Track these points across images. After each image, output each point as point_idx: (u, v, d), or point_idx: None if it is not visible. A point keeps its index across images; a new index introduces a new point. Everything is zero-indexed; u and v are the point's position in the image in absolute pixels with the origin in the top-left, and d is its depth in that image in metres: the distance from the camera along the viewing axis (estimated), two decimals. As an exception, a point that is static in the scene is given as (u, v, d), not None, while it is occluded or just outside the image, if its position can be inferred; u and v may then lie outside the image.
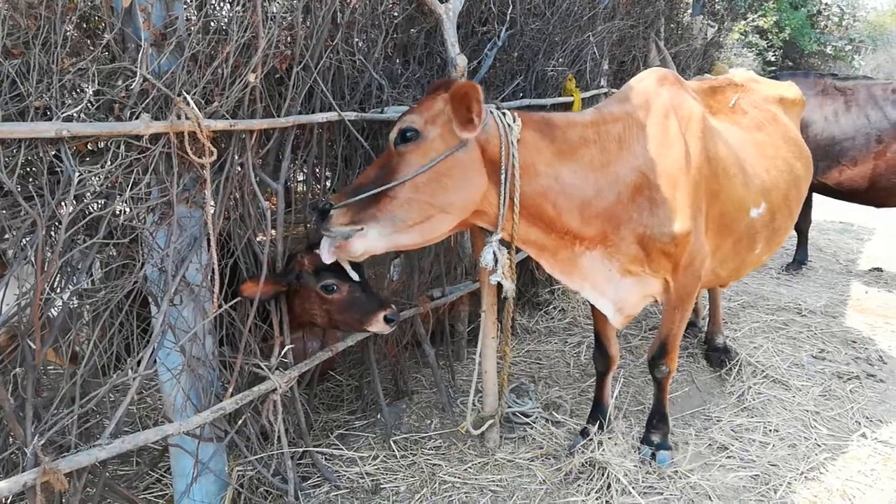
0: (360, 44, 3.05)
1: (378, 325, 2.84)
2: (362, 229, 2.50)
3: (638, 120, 2.88)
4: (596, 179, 2.76)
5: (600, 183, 2.77)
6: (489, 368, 3.38)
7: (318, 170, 3.23)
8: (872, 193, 5.80)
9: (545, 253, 2.88)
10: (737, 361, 4.29)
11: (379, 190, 2.47)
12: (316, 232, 2.65)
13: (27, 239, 2.01)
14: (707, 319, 4.65)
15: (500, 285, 2.91)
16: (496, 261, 2.79)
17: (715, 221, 3.06)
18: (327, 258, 2.58)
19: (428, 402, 3.91)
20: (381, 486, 3.10)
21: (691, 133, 2.94)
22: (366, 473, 3.19)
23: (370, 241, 2.54)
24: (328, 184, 3.32)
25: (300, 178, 3.47)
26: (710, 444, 3.45)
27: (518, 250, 2.91)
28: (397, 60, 3.45)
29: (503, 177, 2.60)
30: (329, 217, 2.51)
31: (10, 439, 2.13)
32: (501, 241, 2.77)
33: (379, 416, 3.62)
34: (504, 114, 2.67)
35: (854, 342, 4.74)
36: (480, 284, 3.29)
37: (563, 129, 2.78)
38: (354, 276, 2.79)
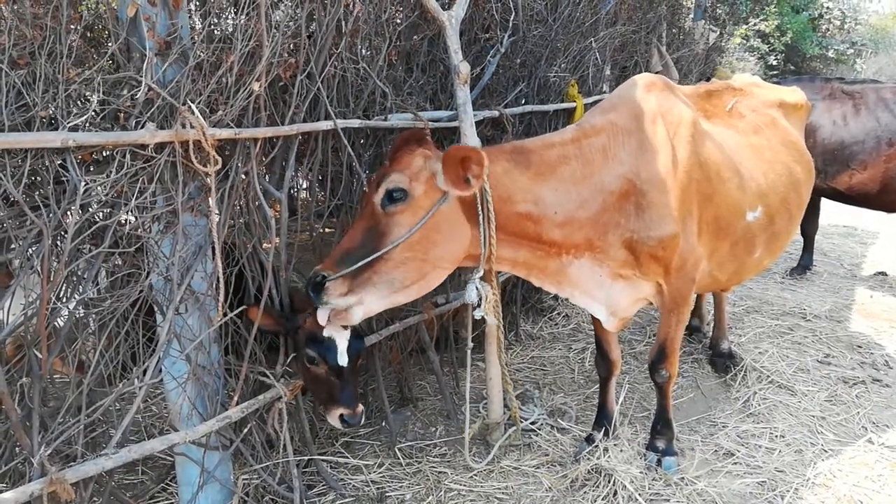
0: (363, 51, 3.05)
1: (332, 419, 2.75)
2: (360, 299, 2.51)
3: (624, 127, 2.91)
4: (579, 192, 2.79)
5: (584, 195, 2.80)
6: (493, 375, 3.37)
7: (322, 178, 3.23)
8: (884, 197, 5.74)
9: (534, 270, 2.93)
10: (742, 367, 4.27)
11: (375, 256, 2.47)
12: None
13: (33, 248, 2.01)
14: (712, 325, 4.63)
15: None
16: (479, 297, 2.86)
17: (709, 224, 3.06)
18: (324, 323, 2.57)
19: (433, 409, 3.90)
20: (387, 494, 3.09)
21: (680, 137, 2.95)
22: (371, 481, 3.18)
23: (368, 306, 2.57)
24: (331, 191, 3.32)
25: (304, 185, 3.47)
26: (716, 451, 3.43)
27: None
28: (401, 68, 3.45)
29: (480, 216, 2.63)
30: (325, 289, 2.48)
31: (17, 449, 2.13)
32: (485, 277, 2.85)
33: (384, 423, 3.61)
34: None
35: (859, 347, 4.72)
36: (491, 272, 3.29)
37: (540, 152, 2.81)
38: (343, 361, 2.70)
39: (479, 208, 2.63)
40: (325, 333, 2.65)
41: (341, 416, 2.72)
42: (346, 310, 2.54)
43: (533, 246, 2.83)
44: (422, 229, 2.54)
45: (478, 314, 2.93)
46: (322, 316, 2.55)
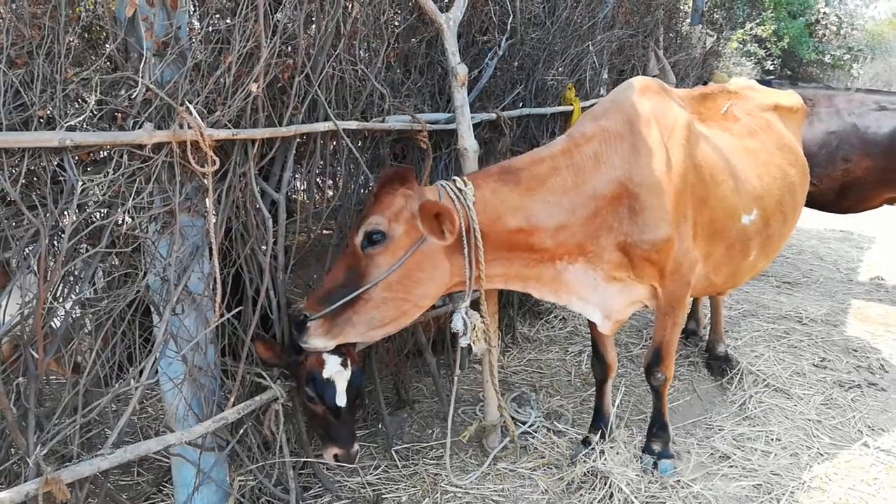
0: (362, 53, 3.06)
1: (327, 456, 2.77)
2: (340, 339, 2.61)
3: (616, 132, 2.92)
4: (571, 200, 2.81)
5: (576, 202, 2.82)
6: (490, 378, 3.37)
7: (320, 179, 3.23)
8: (842, 203, 5.74)
9: (530, 281, 2.95)
10: (738, 370, 4.28)
11: (352, 297, 2.54)
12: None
13: (30, 248, 2.01)
14: (708, 328, 4.65)
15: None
16: (465, 325, 2.88)
17: (704, 228, 3.07)
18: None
19: (429, 412, 3.90)
20: (383, 497, 3.09)
21: (674, 140, 2.96)
22: (367, 483, 3.18)
23: (345, 341, 2.65)
24: (330, 193, 3.32)
25: (301, 187, 3.47)
26: (711, 454, 3.44)
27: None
28: (399, 70, 3.46)
29: (465, 246, 2.66)
30: (307, 329, 2.58)
31: (13, 449, 2.12)
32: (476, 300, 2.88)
33: (380, 425, 3.61)
34: (454, 180, 2.74)
35: (855, 351, 4.74)
36: (480, 293, 3.29)
37: (529, 167, 2.84)
38: (341, 402, 2.71)
39: (465, 240, 2.65)
40: (325, 375, 2.67)
41: (335, 455, 2.74)
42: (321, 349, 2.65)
43: (526, 257, 2.84)
44: (402, 269, 2.58)
45: (463, 342, 2.93)
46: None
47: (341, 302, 2.54)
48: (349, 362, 2.73)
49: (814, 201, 5.66)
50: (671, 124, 2.99)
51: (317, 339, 2.59)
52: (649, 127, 2.92)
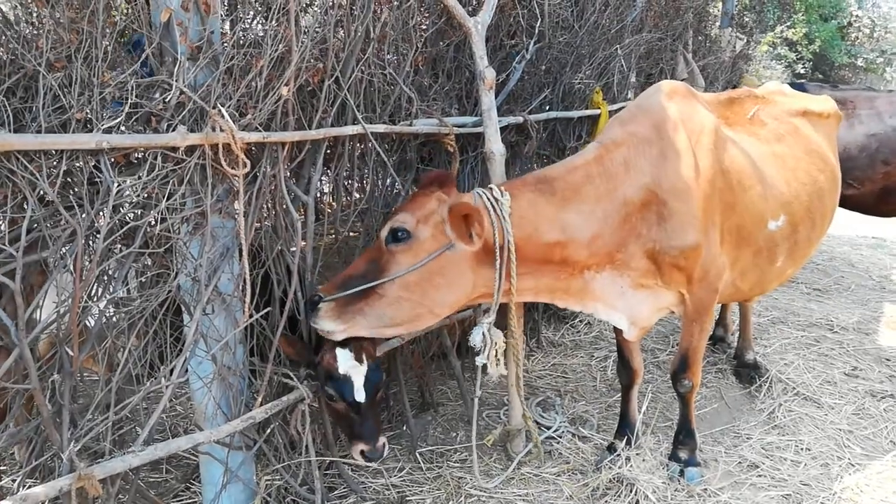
0: (390, 57, 3.08)
1: (354, 453, 2.74)
2: (349, 327, 2.58)
3: (644, 137, 2.90)
4: (604, 208, 2.80)
5: (608, 210, 2.80)
6: (514, 382, 3.36)
7: (348, 183, 3.26)
8: (882, 207, 5.62)
9: (557, 293, 2.93)
10: (767, 378, 4.22)
11: (366, 287, 2.51)
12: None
13: (67, 248, 2.05)
14: (737, 335, 4.59)
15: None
16: (484, 342, 2.80)
17: (731, 233, 3.04)
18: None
19: (454, 415, 3.90)
20: (407, 499, 3.10)
21: (702, 145, 2.93)
22: (391, 485, 3.19)
23: (353, 332, 2.61)
24: (357, 196, 3.34)
25: (327, 189, 3.50)
26: (740, 462, 3.39)
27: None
28: (426, 73, 3.47)
29: (497, 259, 2.62)
30: (318, 310, 2.56)
31: (47, 445, 2.17)
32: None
33: (405, 427, 3.62)
34: (490, 189, 2.71)
35: (888, 360, 4.64)
36: (511, 309, 3.29)
37: (564, 177, 2.82)
38: (360, 397, 2.70)
39: (497, 252, 2.62)
40: (341, 371, 2.67)
41: (362, 451, 2.72)
42: (330, 333, 2.62)
43: (557, 270, 2.82)
44: (422, 272, 2.55)
45: (479, 361, 2.86)
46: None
47: (355, 290, 2.52)
48: (364, 357, 2.71)
49: (854, 204, 5.58)
50: (698, 129, 2.97)
51: (326, 322, 2.57)
52: (677, 131, 2.90)
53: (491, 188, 2.74)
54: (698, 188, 2.84)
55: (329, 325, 2.58)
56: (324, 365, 2.70)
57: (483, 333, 2.81)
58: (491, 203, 2.66)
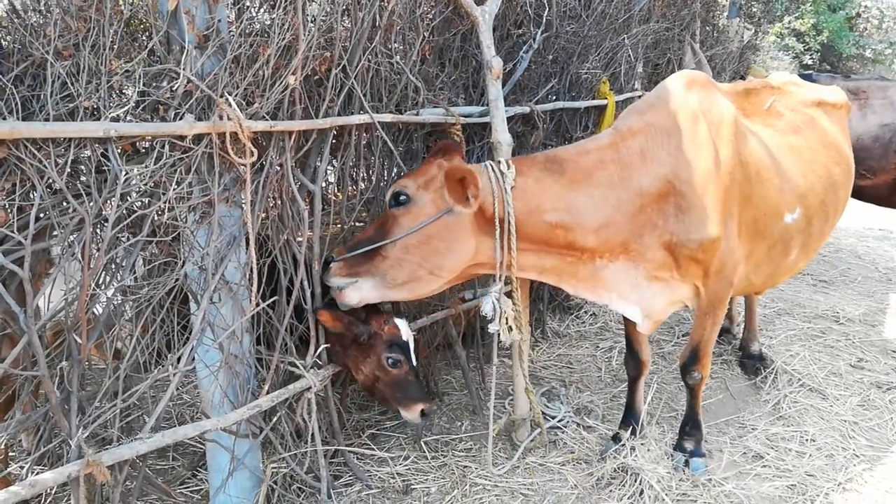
0: (397, 46, 3.07)
1: (413, 414, 2.90)
2: (356, 282, 2.72)
3: (663, 127, 2.87)
4: (617, 196, 2.78)
5: (621, 198, 2.79)
6: (520, 372, 3.37)
7: (354, 172, 3.26)
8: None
9: (565, 276, 2.93)
10: (772, 369, 4.22)
11: (370, 248, 2.66)
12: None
13: (75, 236, 2.06)
14: (742, 326, 4.58)
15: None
16: (495, 310, 2.89)
17: (748, 226, 3.02)
18: (353, 303, 2.77)
19: (459, 404, 3.91)
20: (412, 487, 3.11)
21: (722, 137, 2.91)
22: (397, 474, 3.20)
23: (364, 292, 2.74)
24: (363, 185, 3.34)
25: (333, 179, 3.50)
26: (744, 453, 3.40)
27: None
28: (433, 63, 3.46)
29: (497, 229, 2.69)
30: (329, 269, 2.75)
31: (55, 431, 2.18)
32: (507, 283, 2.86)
33: (410, 416, 3.63)
34: (499, 162, 2.77)
35: (894, 352, 4.63)
36: (513, 283, 3.30)
37: (575, 159, 2.83)
38: (414, 361, 2.95)
39: (497, 222, 2.67)
40: (405, 337, 2.89)
41: (422, 411, 2.90)
42: (341, 290, 2.74)
43: (563, 253, 2.83)
44: (421, 235, 2.64)
45: (492, 328, 2.95)
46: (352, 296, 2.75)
47: (361, 251, 2.66)
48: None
49: (867, 195, 5.54)
50: (718, 119, 2.94)
51: (336, 279, 2.74)
52: (697, 123, 2.87)
53: (499, 161, 2.78)
54: (718, 180, 2.82)
55: (339, 281, 2.74)
56: (387, 333, 2.87)
57: (493, 302, 2.88)
58: (496, 175, 2.71)
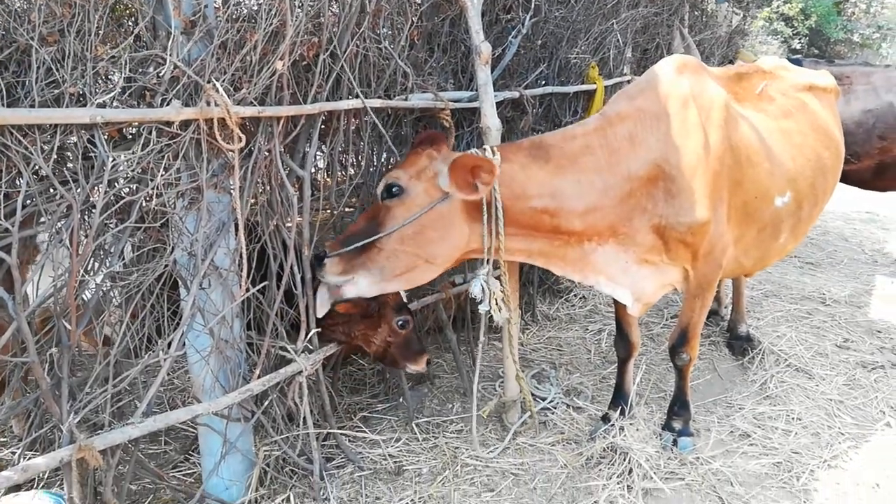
0: (386, 31, 3.06)
1: (421, 365, 3.15)
2: (352, 279, 2.71)
3: (653, 112, 2.88)
4: (604, 181, 2.79)
5: (609, 183, 2.80)
6: (510, 354, 3.40)
7: (343, 158, 3.26)
8: (877, 182, 5.67)
9: (553, 259, 2.94)
10: (760, 350, 4.28)
11: (365, 242, 2.64)
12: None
13: (62, 222, 2.06)
14: (730, 308, 4.63)
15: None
16: (484, 292, 2.92)
17: (738, 210, 3.04)
18: (321, 311, 2.83)
19: (449, 387, 3.94)
20: (404, 468, 3.14)
21: (712, 121, 2.92)
22: (388, 455, 3.23)
23: (360, 288, 2.74)
24: (352, 171, 3.35)
25: (321, 165, 3.50)
26: (731, 432, 3.45)
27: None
28: (422, 48, 3.45)
29: (485, 214, 2.70)
30: (323, 265, 2.70)
31: (47, 417, 2.19)
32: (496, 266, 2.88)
33: (401, 399, 3.66)
34: (484, 149, 2.77)
35: (879, 332, 4.70)
36: (502, 270, 3.32)
37: (560, 145, 2.83)
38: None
39: (484, 208, 2.68)
40: (405, 300, 3.14)
41: (428, 360, 3.17)
42: (338, 287, 2.74)
43: (550, 237, 2.84)
44: (416, 225, 2.64)
45: (482, 309, 2.97)
46: (321, 298, 2.81)
47: (356, 245, 2.65)
48: None
49: (851, 179, 5.60)
50: (708, 104, 2.94)
51: (331, 276, 2.71)
52: (687, 107, 2.88)
53: (485, 148, 2.77)
54: (708, 165, 2.84)
55: (335, 279, 2.71)
56: (393, 300, 3.08)
57: (481, 285, 2.90)
58: None
